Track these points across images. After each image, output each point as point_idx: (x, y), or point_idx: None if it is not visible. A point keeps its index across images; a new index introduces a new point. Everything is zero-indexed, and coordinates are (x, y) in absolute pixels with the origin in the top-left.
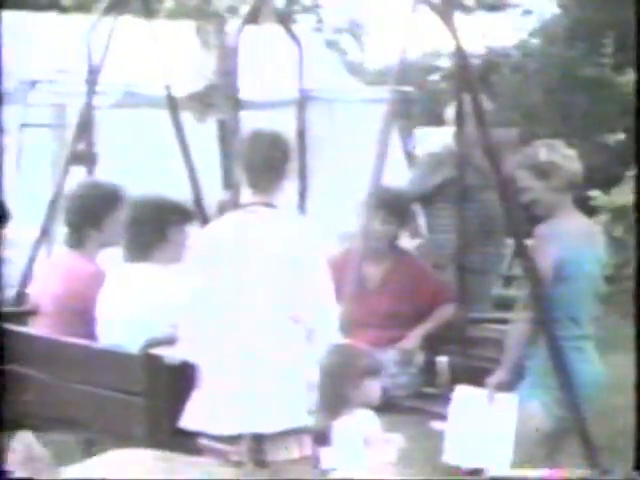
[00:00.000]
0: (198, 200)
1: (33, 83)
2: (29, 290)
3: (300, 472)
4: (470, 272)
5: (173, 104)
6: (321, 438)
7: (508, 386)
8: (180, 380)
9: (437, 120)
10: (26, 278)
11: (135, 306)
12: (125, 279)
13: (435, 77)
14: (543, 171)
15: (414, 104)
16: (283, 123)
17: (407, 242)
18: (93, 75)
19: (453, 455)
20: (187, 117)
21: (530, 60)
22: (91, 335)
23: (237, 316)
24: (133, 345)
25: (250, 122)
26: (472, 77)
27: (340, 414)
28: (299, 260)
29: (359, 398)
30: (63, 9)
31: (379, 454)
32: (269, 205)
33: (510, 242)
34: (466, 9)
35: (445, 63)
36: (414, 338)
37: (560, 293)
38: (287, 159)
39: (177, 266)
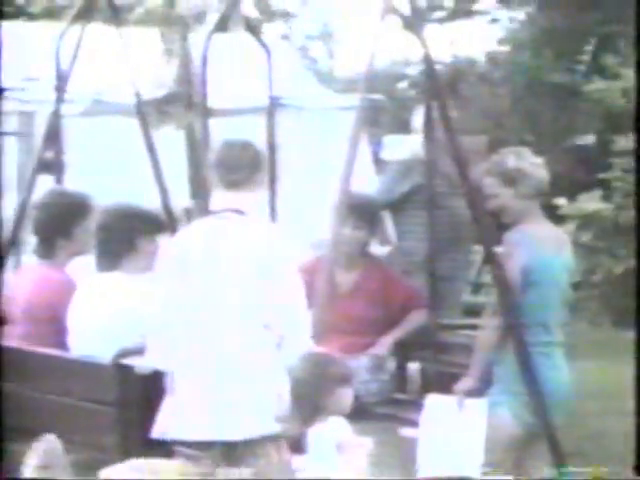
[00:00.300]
0: (167, 208)
1: (0, 91)
2: None
3: (280, 476)
4: (439, 279)
5: (142, 112)
6: (295, 445)
7: (477, 392)
8: (151, 390)
9: (405, 128)
10: None
11: (106, 316)
12: (96, 289)
13: (403, 85)
14: (511, 178)
15: (383, 112)
16: (252, 130)
17: (376, 249)
18: (61, 83)
19: (426, 464)
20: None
21: (497, 68)
22: (62, 345)
23: (208, 323)
24: (104, 355)
25: (219, 129)
26: (440, 85)
27: (313, 422)
28: (270, 267)
29: (333, 406)
30: (31, 17)
31: (351, 460)
32: (240, 212)
33: (478, 249)
34: (434, 18)
35: (413, 71)
36: (385, 344)
37: (529, 299)
38: (259, 165)
39: (148, 275)
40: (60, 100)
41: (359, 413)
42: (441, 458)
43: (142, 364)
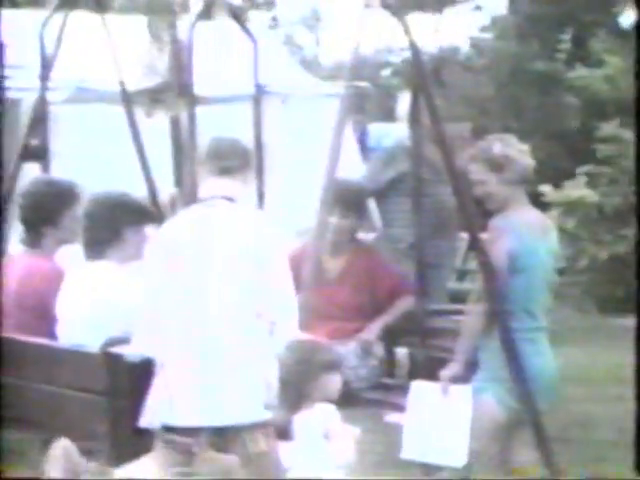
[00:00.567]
0: (153, 196)
1: None
2: None
3: (269, 463)
4: (424, 266)
5: (127, 100)
6: (282, 432)
7: (462, 378)
8: (141, 378)
9: (390, 115)
10: None
11: (94, 305)
12: (84, 278)
13: (387, 73)
14: (497, 164)
15: (368, 99)
16: (238, 118)
17: (362, 236)
18: (46, 70)
19: (411, 450)
20: (137, 112)
21: (481, 56)
22: (52, 334)
23: (197, 309)
24: (93, 344)
25: (205, 117)
26: (425, 73)
27: (300, 408)
28: (259, 253)
29: (319, 393)
30: (15, 4)
31: (339, 448)
32: (230, 199)
33: (464, 236)
34: (417, 5)
35: (397, 59)
36: (374, 329)
37: (514, 285)
38: (249, 160)
39: (136, 264)
40: (45, 87)
41: (348, 398)
42: (426, 444)
43: (131, 352)
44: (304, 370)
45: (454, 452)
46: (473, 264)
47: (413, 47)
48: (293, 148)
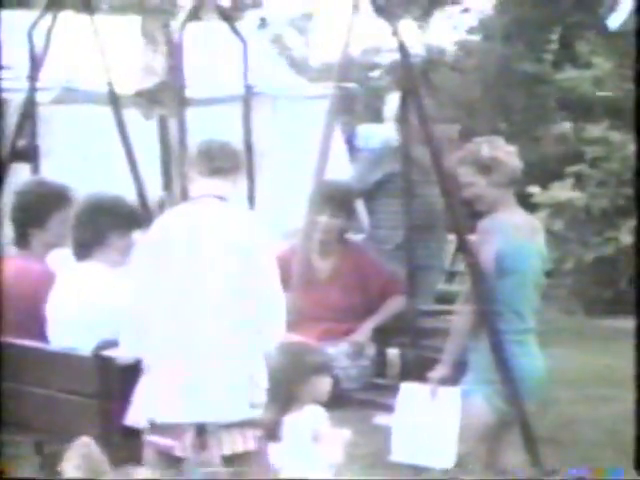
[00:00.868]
0: (142, 198)
1: None
2: None
3: (244, 466)
4: (413, 267)
5: (115, 101)
6: (270, 433)
7: (451, 380)
8: (133, 380)
9: (378, 116)
10: None
11: (84, 307)
12: (73, 280)
13: (376, 74)
14: (485, 167)
15: (356, 100)
16: (228, 119)
17: (350, 237)
18: (34, 71)
19: (400, 452)
20: (134, 114)
21: (469, 57)
22: (42, 337)
23: (185, 307)
24: (84, 346)
25: (194, 119)
26: (414, 74)
27: (290, 410)
28: (248, 253)
29: (309, 395)
30: (3, 5)
31: (327, 450)
32: (220, 198)
33: (452, 237)
34: (406, 7)
35: (386, 60)
36: (365, 330)
37: (503, 287)
38: (239, 162)
39: (122, 268)
40: (33, 88)
41: (338, 399)
42: (415, 446)
43: (121, 354)
44: (294, 372)
45: (443, 454)
46: (461, 265)
47: (402, 48)
48: (282, 149)
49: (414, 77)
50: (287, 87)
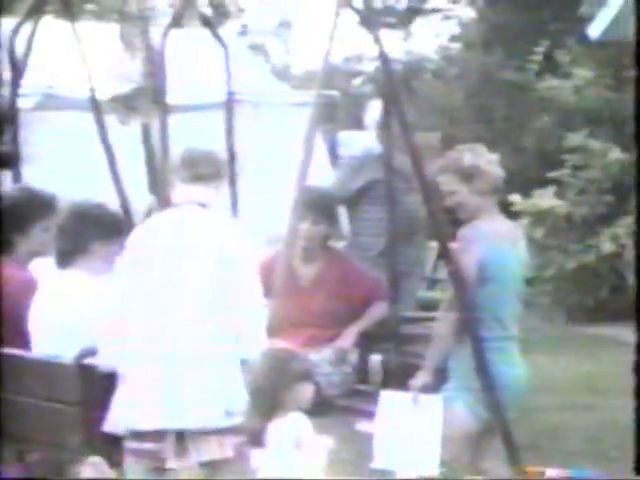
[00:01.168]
0: (125, 205)
1: None
2: None
3: (222, 473)
4: (395, 274)
5: (97, 107)
6: (254, 440)
7: (433, 388)
8: (115, 388)
9: (360, 124)
10: None
11: (65, 315)
12: (55, 287)
13: (358, 81)
14: (467, 175)
15: (338, 108)
16: (209, 126)
17: (332, 244)
18: (16, 77)
19: (382, 459)
20: (111, 120)
21: (450, 65)
22: (25, 345)
23: (163, 313)
24: (67, 354)
25: (177, 125)
26: (396, 82)
27: (273, 417)
28: (230, 260)
29: (293, 402)
30: None
31: (310, 457)
32: (202, 204)
33: (434, 244)
34: (388, 15)
35: (367, 68)
36: (349, 336)
37: (484, 294)
38: (222, 170)
39: (105, 275)
40: (15, 94)
41: (320, 406)
42: (397, 454)
43: (99, 361)
44: (279, 378)
45: (425, 461)
46: (443, 273)
47: (383, 56)
48: (264, 156)
49: (396, 85)
50: (269, 94)
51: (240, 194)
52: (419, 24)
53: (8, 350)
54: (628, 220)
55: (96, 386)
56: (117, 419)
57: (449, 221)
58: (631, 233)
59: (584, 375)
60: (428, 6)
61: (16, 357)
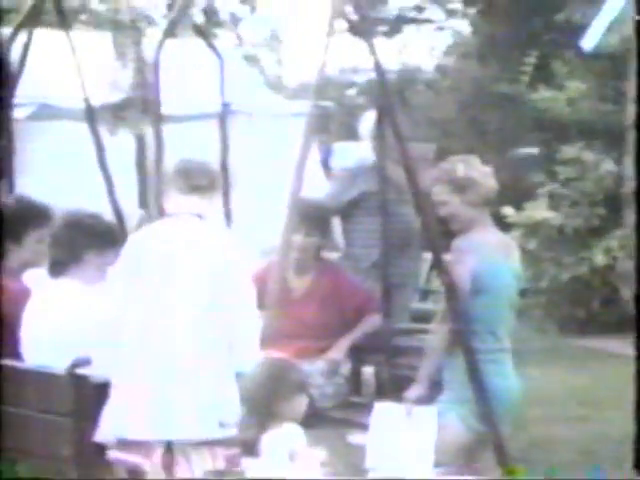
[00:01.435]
0: (118, 215)
1: None
2: None
3: None
4: (389, 285)
5: (92, 117)
6: (248, 450)
7: (426, 399)
8: (107, 399)
9: (354, 135)
10: None
11: (58, 325)
12: (48, 297)
13: (352, 92)
14: (461, 186)
15: (332, 119)
16: (203, 137)
17: (325, 255)
18: (11, 87)
19: (375, 471)
20: (102, 131)
21: (444, 76)
22: (17, 355)
23: (156, 323)
24: (58, 364)
25: (171, 136)
26: (390, 93)
27: (268, 427)
28: (224, 271)
29: (288, 413)
30: None
31: (303, 469)
32: (197, 215)
33: (427, 256)
34: (382, 26)
35: (361, 78)
36: (341, 348)
37: (478, 306)
38: (216, 181)
39: (99, 285)
40: (9, 104)
41: (313, 418)
42: (390, 466)
43: (93, 371)
44: (277, 388)
45: (418, 473)
46: (436, 284)
47: (378, 67)
48: (258, 167)
49: (390, 96)
50: (263, 105)
51: (233, 205)
52: (413, 36)
53: (0, 360)
54: (621, 233)
55: (88, 396)
56: (107, 429)
57: (442, 232)
58: (624, 246)
59: (576, 387)
60: (422, 17)
61: (8, 367)
